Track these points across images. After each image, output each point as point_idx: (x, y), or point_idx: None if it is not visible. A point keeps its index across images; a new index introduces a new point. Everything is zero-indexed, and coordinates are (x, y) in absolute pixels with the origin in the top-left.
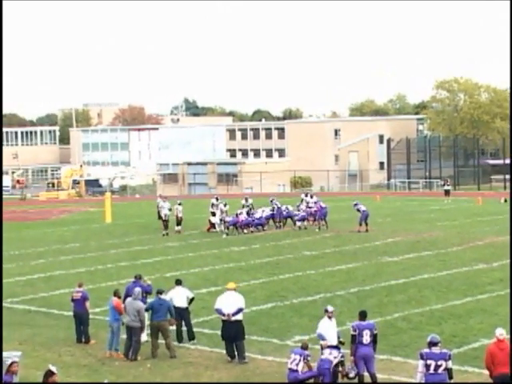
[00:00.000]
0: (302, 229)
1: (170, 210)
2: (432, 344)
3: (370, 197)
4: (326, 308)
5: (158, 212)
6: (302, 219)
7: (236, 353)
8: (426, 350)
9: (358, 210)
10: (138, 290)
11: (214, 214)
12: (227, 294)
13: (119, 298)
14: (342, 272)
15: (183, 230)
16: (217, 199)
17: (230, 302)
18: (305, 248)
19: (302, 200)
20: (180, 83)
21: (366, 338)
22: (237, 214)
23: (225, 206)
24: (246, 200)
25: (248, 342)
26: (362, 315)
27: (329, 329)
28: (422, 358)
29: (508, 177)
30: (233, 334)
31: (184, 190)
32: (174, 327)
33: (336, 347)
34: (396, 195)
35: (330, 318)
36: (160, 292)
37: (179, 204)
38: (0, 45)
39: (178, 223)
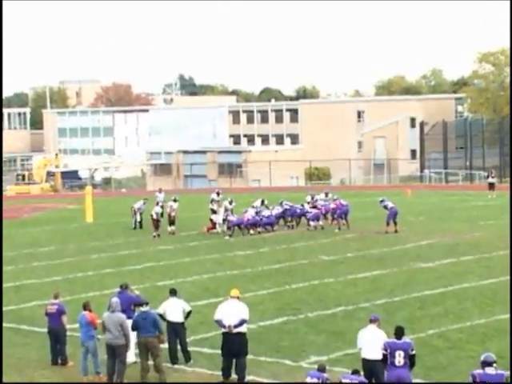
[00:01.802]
0: (319, 229)
1: (161, 206)
2: (486, 364)
3: (399, 191)
4: (372, 317)
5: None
6: (316, 218)
7: (235, 371)
8: (479, 371)
9: (385, 207)
10: (115, 300)
11: (214, 212)
12: (229, 303)
13: (90, 311)
14: (367, 280)
15: (178, 230)
16: (218, 194)
17: (232, 312)
18: (322, 252)
19: (309, 202)
20: (174, 57)
21: (399, 359)
22: (246, 212)
23: (230, 203)
24: (262, 202)
25: (255, 363)
26: (399, 332)
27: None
28: (474, 380)
29: None
30: (235, 349)
31: (179, 183)
32: (165, 345)
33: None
34: (430, 189)
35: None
36: (141, 304)
37: (174, 200)
38: None
39: (171, 223)
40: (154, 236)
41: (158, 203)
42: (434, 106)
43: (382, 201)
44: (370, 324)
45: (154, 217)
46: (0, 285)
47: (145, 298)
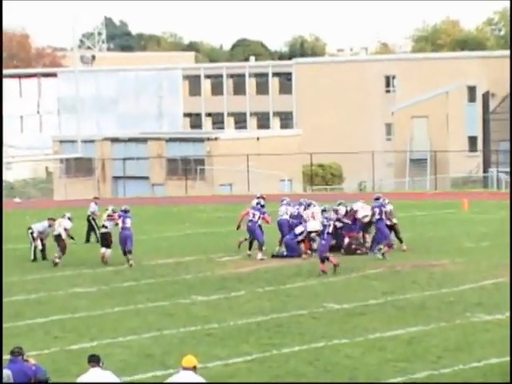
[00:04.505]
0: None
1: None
2: None
3: (450, 201)
4: None
5: (90, 226)
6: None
7: None
8: None
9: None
10: (6, 373)
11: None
12: (181, 377)
13: None
14: (400, 342)
15: (98, 263)
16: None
17: None
18: (329, 297)
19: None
20: None
21: None
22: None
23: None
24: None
25: None
26: None
27: None
28: None
29: None
30: None
31: (105, 188)
32: None
33: None
34: (499, 198)
35: None
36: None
37: (68, 218)
38: None
39: (62, 249)
40: (56, 263)
41: (90, 217)
42: (506, 68)
43: (376, 199)
44: None
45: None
46: (0, 285)
47: (47, 371)
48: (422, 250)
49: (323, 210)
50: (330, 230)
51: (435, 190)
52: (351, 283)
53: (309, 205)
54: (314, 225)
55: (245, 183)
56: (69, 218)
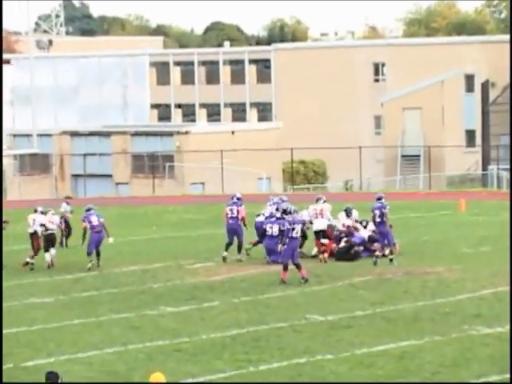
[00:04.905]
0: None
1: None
2: None
3: (446, 202)
4: None
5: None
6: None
7: None
8: None
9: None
10: None
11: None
12: None
13: None
14: (390, 357)
15: (60, 269)
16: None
17: None
18: (312, 307)
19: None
20: None
21: None
22: None
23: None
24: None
25: None
26: None
27: None
28: None
29: None
30: None
31: (64, 187)
32: None
33: None
34: (500, 198)
35: None
36: None
37: (42, 212)
38: None
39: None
40: (27, 263)
41: (62, 218)
42: (507, 54)
43: (379, 199)
44: None
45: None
46: (0, 285)
47: None
48: (414, 256)
49: (288, 212)
50: (294, 234)
51: (429, 190)
52: (336, 292)
53: (317, 200)
54: (320, 224)
55: (218, 182)
56: (42, 212)
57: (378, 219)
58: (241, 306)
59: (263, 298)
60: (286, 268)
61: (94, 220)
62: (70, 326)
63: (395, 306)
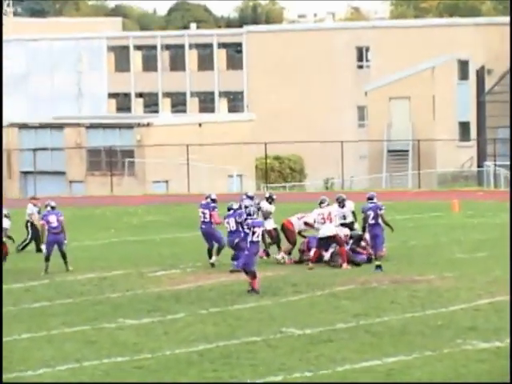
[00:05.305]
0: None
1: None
2: None
3: (438, 202)
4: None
5: (33, 231)
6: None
7: None
8: None
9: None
10: None
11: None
12: None
13: None
14: (375, 374)
15: (10, 277)
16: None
17: None
18: (289, 320)
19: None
20: None
21: None
22: None
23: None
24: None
25: None
26: None
27: None
28: None
29: None
30: None
31: (12, 186)
32: None
33: None
34: (497, 198)
35: None
36: None
37: (5, 216)
38: None
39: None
40: None
41: (28, 222)
42: (505, 38)
43: (370, 198)
44: None
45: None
46: (0, 284)
47: None
48: (402, 263)
49: (248, 214)
50: (255, 238)
51: (418, 189)
52: (315, 303)
53: (321, 202)
54: (328, 229)
55: (184, 180)
56: (5, 216)
57: (371, 221)
58: (209, 319)
59: (234, 310)
60: (254, 276)
61: (53, 220)
62: (18, 341)
63: (381, 318)
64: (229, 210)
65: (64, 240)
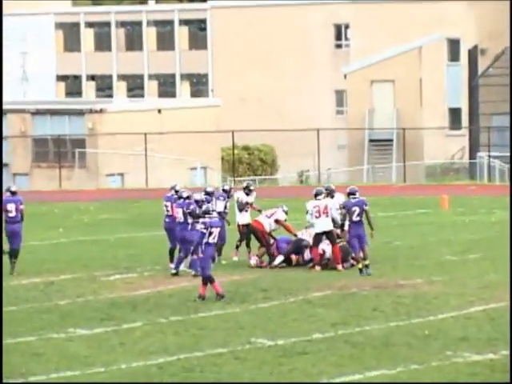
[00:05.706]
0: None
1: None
2: None
3: (426, 198)
4: None
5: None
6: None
7: None
8: None
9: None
10: None
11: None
12: None
13: None
14: None
15: None
16: None
17: None
18: (259, 329)
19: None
20: None
21: None
22: None
23: None
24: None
25: None
26: None
27: None
28: None
29: None
30: None
31: None
32: None
33: None
34: (491, 193)
35: None
36: None
37: None
38: None
39: None
40: None
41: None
42: (501, 15)
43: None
44: None
45: None
46: (0, 284)
47: None
48: (385, 265)
49: (205, 212)
50: (211, 239)
51: (404, 183)
52: (288, 311)
53: (316, 194)
54: (325, 224)
55: (142, 173)
56: None
57: (356, 218)
58: (169, 328)
59: (197, 318)
60: (212, 280)
61: (11, 208)
62: None
63: (362, 328)
64: (179, 197)
65: (20, 233)
